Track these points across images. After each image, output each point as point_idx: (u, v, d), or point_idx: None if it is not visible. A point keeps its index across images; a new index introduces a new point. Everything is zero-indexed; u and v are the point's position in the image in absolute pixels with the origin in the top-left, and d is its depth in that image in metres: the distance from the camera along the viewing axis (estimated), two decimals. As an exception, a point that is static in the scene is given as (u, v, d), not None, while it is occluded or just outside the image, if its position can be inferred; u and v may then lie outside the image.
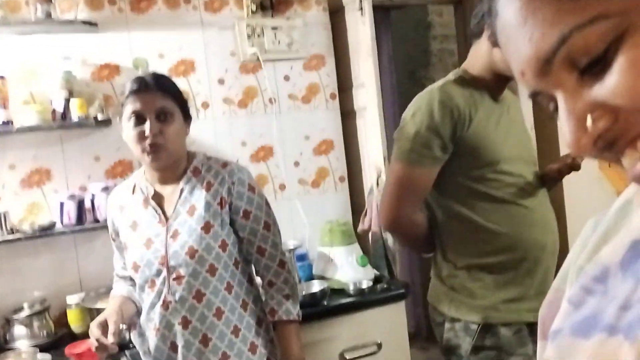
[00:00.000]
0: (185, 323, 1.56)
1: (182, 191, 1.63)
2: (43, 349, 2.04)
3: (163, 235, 1.60)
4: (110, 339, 1.48)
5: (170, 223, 1.61)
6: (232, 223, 1.63)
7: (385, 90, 3.64)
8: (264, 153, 2.71)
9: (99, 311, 2.15)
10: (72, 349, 1.93)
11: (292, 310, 1.66)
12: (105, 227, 2.28)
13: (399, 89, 3.89)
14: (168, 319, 1.58)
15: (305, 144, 2.80)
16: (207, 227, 1.58)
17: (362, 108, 2.78)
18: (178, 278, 1.56)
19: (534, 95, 0.49)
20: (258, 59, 2.64)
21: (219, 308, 1.57)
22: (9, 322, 2.14)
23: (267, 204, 1.69)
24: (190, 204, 1.61)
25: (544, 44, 0.43)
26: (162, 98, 1.56)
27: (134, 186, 1.69)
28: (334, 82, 2.86)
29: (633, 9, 0.41)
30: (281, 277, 1.67)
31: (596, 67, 0.43)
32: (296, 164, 2.77)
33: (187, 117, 1.66)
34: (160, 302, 1.58)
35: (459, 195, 1.63)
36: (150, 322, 1.62)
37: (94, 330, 1.52)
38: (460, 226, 1.64)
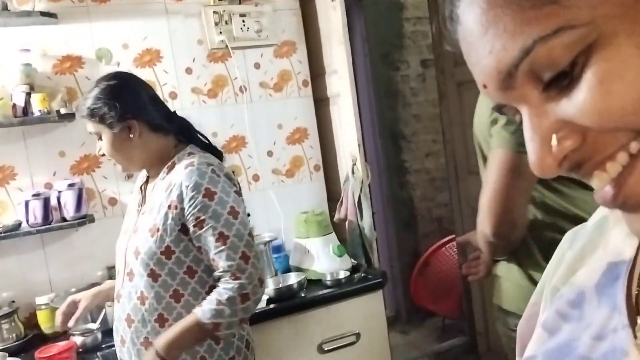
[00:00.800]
0: (129, 321, 1.55)
1: (152, 186, 1.61)
2: (12, 352, 1.98)
3: (132, 227, 1.61)
4: (71, 323, 1.66)
5: (138, 217, 1.60)
6: (186, 230, 1.50)
7: (359, 75, 3.60)
8: (236, 143, 2.65)
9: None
10: (41, 354, 1.88)
11: (207, 313, 1.44)
12: (72, 225, 2.24)
13: (373, 73, 3.85)
14: (119, 313, 1.59)
15: (279, 133, 2.75)
16: (153, 230, 1.51)
17: (335, 95, 2.73)
18: (129, 274, 1.56)
19: (499, 108, 0.45)
20: (227, 46, 2.57)
21: (161, 315, 1.51)
22: None
23: (232, 210, 1.48)
24: (151, 203, 1.57)
25: (505, 56, 0.39)
26: (89, 122, 1.57)
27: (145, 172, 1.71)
28: (306, 68, 2.80)
29: (601, 17, 0.37)
30: (229, 286, 1.45)
31: (563, 81, 0.39)
32: (270, 153, 2.72)
33: (114, 127, 1.53)
34: (117, 294, 1.61)
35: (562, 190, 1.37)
36: (116, 314, 1.63)
37: (64, 307, 1.68)
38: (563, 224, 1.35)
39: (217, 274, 1.48)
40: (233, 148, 2.65)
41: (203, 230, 1.47)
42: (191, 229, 1.48)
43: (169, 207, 1.49)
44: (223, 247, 1.45)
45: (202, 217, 1.46)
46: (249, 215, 1.64)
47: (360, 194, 2.55)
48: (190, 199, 1.46)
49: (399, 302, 3.97)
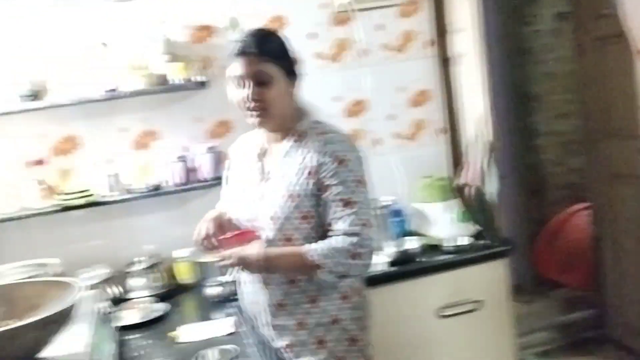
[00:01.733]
0: (266, 284, 1.61)
1: (282, 154, 1.61)
2: (157, 299, 2.21)
3: (256, 193, 1.63)
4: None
5: (265, 184, 1.62)
6: (320, 196, 1.54)
7: (487, 33, 3.44)
8: (357, 108, 2.68)
9: (204, 264, 2.30)
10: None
11: (316, 251, 1.48)
12: (209, 185, 2.41)
13: (503, 30, 3.65)
14: (253, 277, 1.65)
15: (401, 95, 2.73)
16: (292, 196, 1.55)
17: (461, 54, 2.65)
18: (265, 241, 1.59)
19: None
20: (351, 9, 2.58)
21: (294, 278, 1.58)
22: (126, 275, 2.34)
23: (362, 179, 1.55)
24: (284, 169, 1.59)
25: None
26: (260, 62, 1.52)
27: (254, 137, 1.72)
28: (432, 27, 2.73)
29: None
30: (347, 240, 1.48)
31: None
32: (391, 117, 2.72)
33: (292, 76, 1.58)
34: None
35: None
36: (242, 276, 1.71)
37: (208, 225, 1.69)
38: None
39: (335, 233, 1.51)
40: (354, 112, 2.67)
41: (333, 195, 1.51)
42: (324, 194, 1.52)
43: (304, 173, 1.54)
44: (350, 211, 1.49)
45: (334, 183, 1.51)
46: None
47: (487, 158, 2.48)
48: (324, 165, 1.51)
49: (523, 271, 3.84)
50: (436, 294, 2.26)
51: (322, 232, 1.55)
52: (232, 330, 1.78)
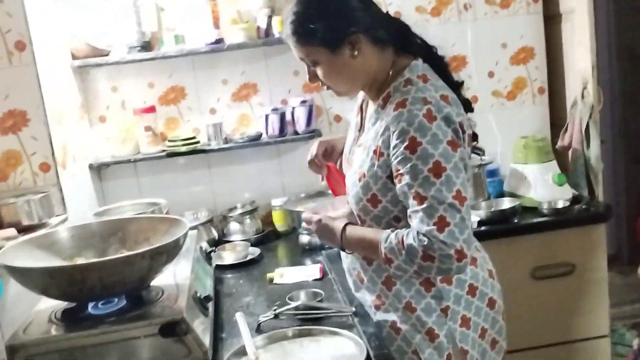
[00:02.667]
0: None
1: (369, 117, 1.44)
2: (252, 243, 2.33)
3: (349, 153, 1.53)
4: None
5: (356, 145, 1.48)
6: (391, 180, 1.33)
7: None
8: (456, 63, 2.62)
9: (299, 213, 2.39)
10: None
11: (388, 243, 1.30)
12: (303, 138, 2.48)
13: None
14: None
15: (502, 52, 2.64)
16: (360, 175, 1.39)
17: (568, 11, 2.51)
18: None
19: None
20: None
21: (365, 257, 1.46)
22: (225, 219, 2.48)
23: (436, 167, 1.24)
24: (363, 137, 1.44)
25: None
26: (299, 48, 1.37)
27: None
28: (538, -19, 2.61)
29: None
30: (418, 237, 1.25)
31: None
32: (490, 74, 2.65)
33: (336, 47, 1.33)
34: None
35: None
36: None
37: (317, 147, 1.63)
38: None
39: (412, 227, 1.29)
40: (453, 69, 2.60)
41: (401, 185, 1.28)
42: (395, 181, 1.31)
43: (375, 152, 1.34)
44: (418, 208, 1.25)
45: (401, 171, 1.27)
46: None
47: (589, 121, 2.37)
48: (393, 148, 1.29)
49: (621, 240, 3.67)
50: (530, 255, 2.23)
51: (394, 216, 1.37)
52: (320, 276, 1.86)
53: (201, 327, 1.33)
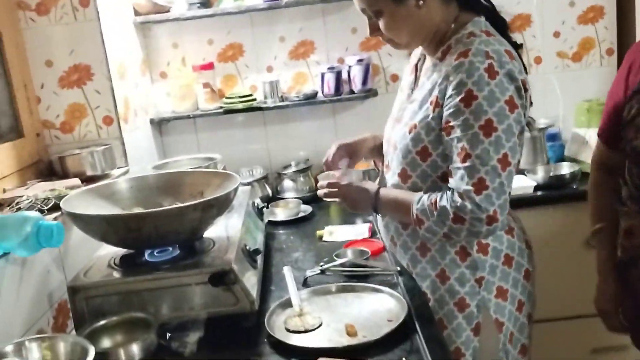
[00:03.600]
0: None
1: (425, 71, 1.41)
2: (305, 201, 2.37)
3: (399, 111, 1.48)
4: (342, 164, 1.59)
5: (408, 102, 1.44)
6: (441, 133, 1.31)
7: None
8: (520, 22, 2.52)
9: (355, 172, 2.40)
10: None
11: (420, 204, 1.31)
12: (359, 97, 2.47)
13: None
14: None
15: (570, 11, 2.52)
16: (411, 126, 1.35)
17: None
18: (387, 166, 1.48)
19: None
20: None
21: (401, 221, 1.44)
22: (279, 177, 2.52)
23: (488, 125, 1.21)
24: (417, 92, 1.40)
25: None
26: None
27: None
28: None
29: None
30: (452, 198, 1.26)
31: None
32: (556, 34, 2.53)
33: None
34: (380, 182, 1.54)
35: None
36: None
37: (335, 151, 1.61)
38: None
39: (449, 185, 1.30)
40: (516, 27, 2.52)
41: (449, 137, 1.27)
42: (444, 133, 1.29)
43: (431, 102, 1.31)
44: (460, 166, 1.24)
45: (451, 123, 1.25)
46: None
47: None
48: (448, 98, 1.26)
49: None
50: (587, 223, 2.16)
51: (442, 173, 1.34)
52: (368, 235, 1.88)
53: (249, 278, 1.38)
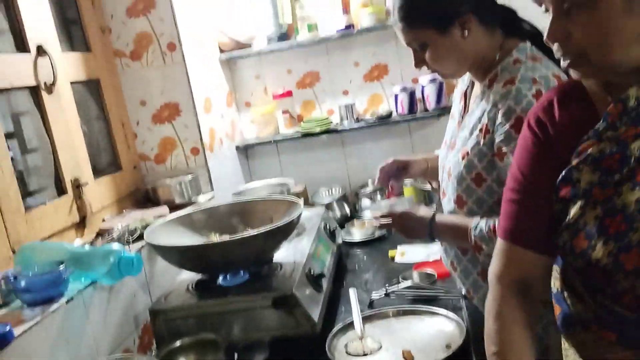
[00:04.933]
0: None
1: (474, 98, 1.42)
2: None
3: (451, 137, 1.48)
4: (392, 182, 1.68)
5: (458, 129, 1.44)
6: (494, 160, 1.31)
7: None
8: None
9: (429, 192, 2.43)
10: None
11: (478, 229, 1.31)
12: (433, 116, 2.49)
13: None
14: None
15: None
16: (463, 153, 1.36)
17: None
18: (443, 193, 1.48)
19: None
20: None
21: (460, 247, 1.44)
22: (357, 196, 2.60)
23: None
24: (471, 117, 1.39)
25: None
26: (408, 32, 1.35)
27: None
28: None
29: None
30: None
31: None
32: None
33: (446, 28, 1.31)
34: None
35: None
36: None
37: (386, 165, 1.70)
38: None
39: None
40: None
41: (503, 164, 1.27)
42: (498, 160, 1.29)
43: (481, 130, 1.32)
44: None
45: (504, 150, 1.26)
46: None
47: None
48: (499, 125, 1.27)
49: None
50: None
51: (498, 198, 1.25)
52: (438, 257, 1.90)
53: (312, 302, 1.47)
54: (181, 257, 1.46)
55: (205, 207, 1.79)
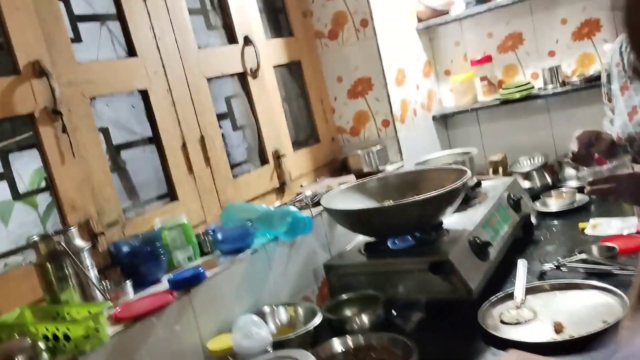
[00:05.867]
0: None
1: None
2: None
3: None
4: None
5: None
6: None
7: None
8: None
9: None
10: None
11: None
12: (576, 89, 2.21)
13: None
14: None
15: None
16: (632, 112, 1.31)
17: None
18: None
19: None
20: None
21: None
22: (560, 164, 2.45)
23: None
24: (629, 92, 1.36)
25: None
26: None
27: None
28: None
29: None
30: None
31: None
32: None
33: None
34: None
35: None
36: None
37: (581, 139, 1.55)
38: None
39: None
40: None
41: None
42: None
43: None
44: None
45: None
46: None
47: None
48: None
49: None
50: None
51: None
52: (636, 230, 1.73)
53: (471, 269, 1.50)
54: (347, 219, 1.61)
55: (380, 176, 1.91)
